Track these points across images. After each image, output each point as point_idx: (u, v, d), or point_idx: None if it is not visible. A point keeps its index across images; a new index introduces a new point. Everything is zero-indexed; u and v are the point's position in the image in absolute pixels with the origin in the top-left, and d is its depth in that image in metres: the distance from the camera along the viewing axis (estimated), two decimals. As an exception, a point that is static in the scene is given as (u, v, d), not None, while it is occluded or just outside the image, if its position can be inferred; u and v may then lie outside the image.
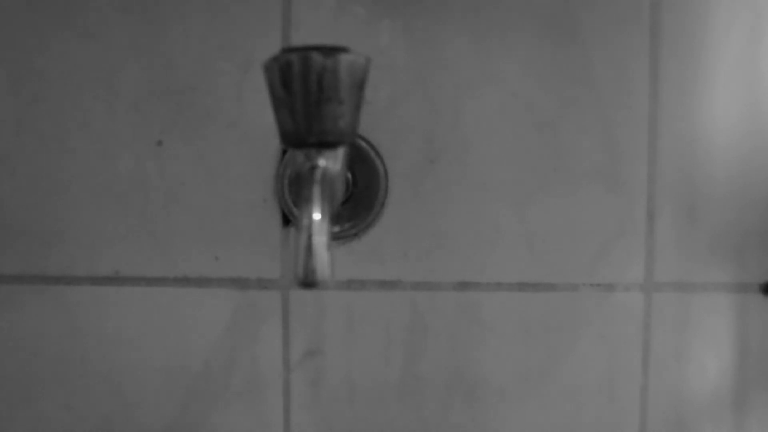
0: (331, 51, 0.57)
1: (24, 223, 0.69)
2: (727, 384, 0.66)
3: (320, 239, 0.67)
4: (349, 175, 0.67)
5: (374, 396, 0.66)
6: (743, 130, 0.69)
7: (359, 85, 0.59)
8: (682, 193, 0.68)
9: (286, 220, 0.67)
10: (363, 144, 0.67)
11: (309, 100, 0.59)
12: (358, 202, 0.67)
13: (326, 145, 0.60)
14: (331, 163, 0.60)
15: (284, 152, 0.68)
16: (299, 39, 0.69)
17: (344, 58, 0.58)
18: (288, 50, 0.57)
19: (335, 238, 0.66)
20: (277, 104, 0.60)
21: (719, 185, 0.68)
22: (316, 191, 0.67)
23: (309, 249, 0.66)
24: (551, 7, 0.67)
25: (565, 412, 0.66)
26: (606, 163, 0.68)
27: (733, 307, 0.67)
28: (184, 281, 0.67)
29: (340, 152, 0.59)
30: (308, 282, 0.65)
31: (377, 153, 0.67)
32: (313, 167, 0.66)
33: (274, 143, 0.69)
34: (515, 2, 0.67)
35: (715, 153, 0.69)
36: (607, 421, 0.67)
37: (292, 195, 0.67)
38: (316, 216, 0.67)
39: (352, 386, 0.66)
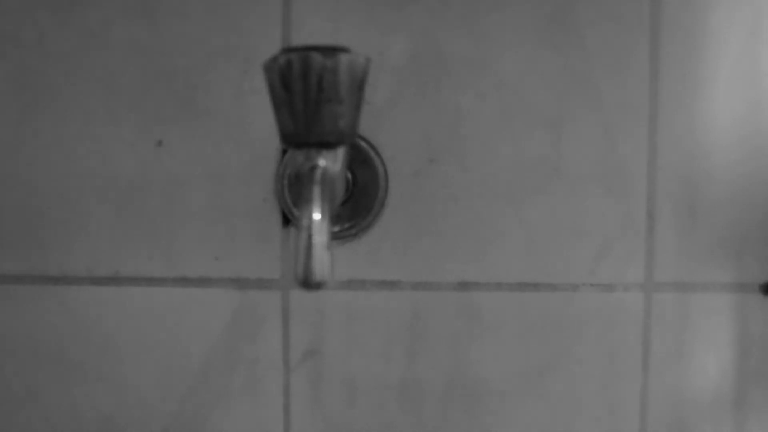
0: (331, 51, 0.57)
1: (24, 223, 0.69)
2: (727, 384, 0.66)
3: (320, 239, 0.67)
4: (349, 175, 0.67)
5: (374, 396, 0.66)
6: (743, 130, 0.69)
7: (359, 85, 0.59)
8: (682, 193, 0.69)
9: (286, 220, 0.67)
10: (363, 144, 0.67)
11: (309, 100, 0.59)
12: (358, 202, 0.67)
13: (326, 145, 0.60)
14: (331, 163, 0.60)
15: (284, 152, 0.68)
16: (299, 39, 0.69)
17: (344, 58, 0.58)
18: (288, 50, 0.57)
19: (335, 238, 0.66)
20: (277, 104, 0.60)
21: (719, 185, 0.68)
22: (316, 191, 0.67)
23: (309, 249, 0.66)
24: (551, 6, 0.67)
25: (565, 412, 0.66)
26: (606, 163, 0.68)
27: (733, 307, 0.67)
28: (184, 281, 0.67)
29: (340, 152, 0.59)
30: (308, 282, 0.65)
31: (377, 153, 0.67)
32: (313, 167, 0.66)
33: (274, 143, 0.69)
34: (516, 1, 0.67)
35: (715, 152, 0.69)
36: (608, 422, 0.66)
37: (292, 195, 0.67)
38: (316, 216, 0.67)
39: (352, 386, 0.66)
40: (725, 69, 0.68)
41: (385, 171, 0.67)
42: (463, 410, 0.65)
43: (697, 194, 0.68)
